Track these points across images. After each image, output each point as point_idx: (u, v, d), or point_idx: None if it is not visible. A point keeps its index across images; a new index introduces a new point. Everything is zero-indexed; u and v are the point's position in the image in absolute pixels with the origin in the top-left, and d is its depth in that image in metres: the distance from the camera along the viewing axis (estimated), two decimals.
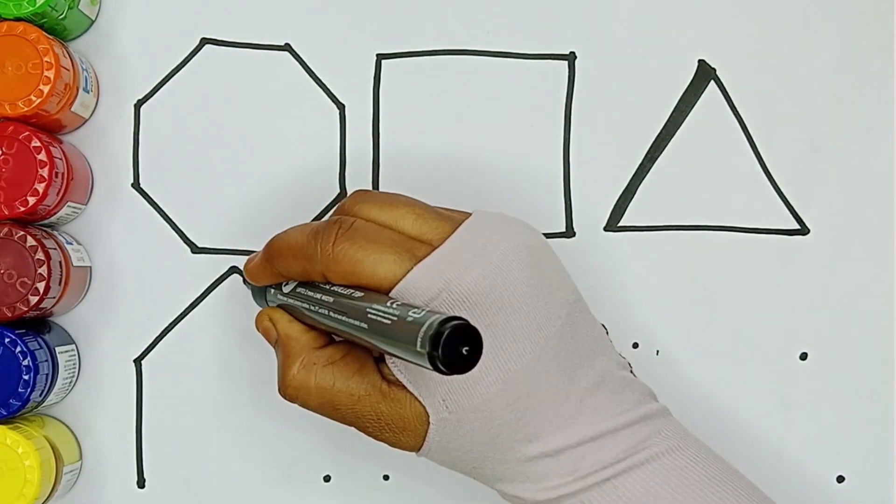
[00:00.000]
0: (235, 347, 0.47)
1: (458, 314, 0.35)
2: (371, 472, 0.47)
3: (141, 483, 0.46)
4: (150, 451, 0.46)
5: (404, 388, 0.37)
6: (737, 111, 0.47)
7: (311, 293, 0.38)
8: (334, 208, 0.41)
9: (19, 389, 0.42)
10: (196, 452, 0.46)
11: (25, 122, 0.43)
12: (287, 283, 0.40)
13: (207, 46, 0.47)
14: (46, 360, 0.43)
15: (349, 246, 0.37)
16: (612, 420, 0.37)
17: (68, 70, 0.43)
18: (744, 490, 0.38)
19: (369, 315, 0.34)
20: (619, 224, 0.47)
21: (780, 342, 0.47)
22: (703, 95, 0.47)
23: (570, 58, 0.47)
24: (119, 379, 0.46)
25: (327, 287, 0.38)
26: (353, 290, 0.37)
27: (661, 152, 0.47)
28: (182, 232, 0.47)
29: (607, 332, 0.41)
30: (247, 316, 0.47)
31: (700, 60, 0.47)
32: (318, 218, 0.47)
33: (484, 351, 0.32)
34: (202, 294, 0.47)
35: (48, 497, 0.43)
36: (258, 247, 0.46)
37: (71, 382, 0.46)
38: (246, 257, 0.46)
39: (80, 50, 0.46)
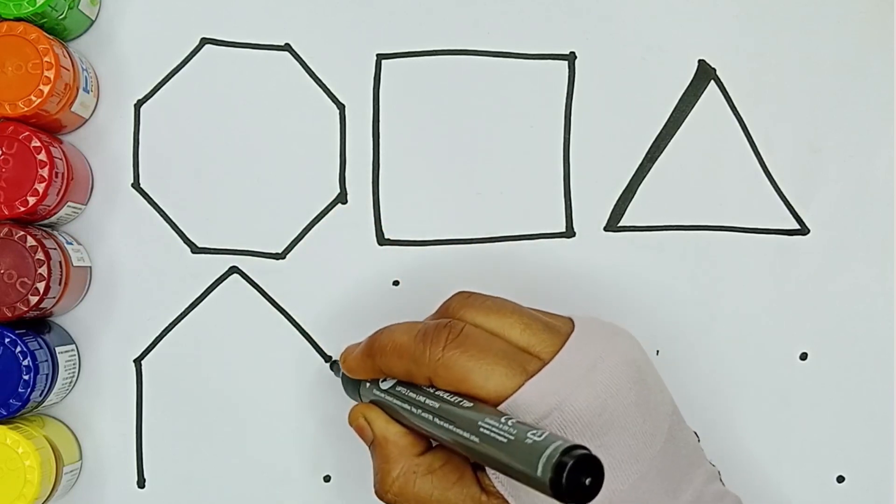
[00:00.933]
0: (235, 347, 0.47)
1: (569, 434, 0.35)
2: (371, 472, 0.47)
3: (141, 483, 0.46)
4: (150, 451, 0.46)
5: (504, 500, 0.36)
6: (737, 111, 0.47)
7: (413, 395, 0.38)
8: (438, 309, 0.40)
9: (19, 389, 0.42)
10: (196, 452, 0.46)
11: (25, 122, 0.43)
12: (385, 380, 0.40)
13: (207, 46, 0.47)
14: (46, 360, 0.43)
15: (460, 353, 0.36)
16: None
17: (68, 70, 0.43)
18: None
19: (482, 430, 0.34)
20: (619, 224, 0.47)
21: (780, 342, 0.47)
22: (703, 95, 0.47)
23: (570, 58, 0.47)
24: (119, 379, 0.46)
25: (432, 391, 0.37)
26: (460, 399, 0.36)
27: (661, 152, 0.47)
28: (182, 232, 0.47)
29: (699, 440, 0.40)
30: (247, 316, 0.47)
31: (700, 60, 0.47)
32: (318, 219, 0.47)
33: None
34: (202, 294, 0.47)
35: (48, 497, 0.43)
36: (258, 247, 0.47)
37: (71, 382, 0.46)
38: (249, 257, 0.46)
39: (80, 50, 0.46)
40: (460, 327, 0.37)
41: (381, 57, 0.47)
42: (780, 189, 0.47)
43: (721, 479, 0.40)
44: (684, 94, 0.47)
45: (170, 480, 0.46)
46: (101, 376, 0.46)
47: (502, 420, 0.34)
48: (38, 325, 0.44)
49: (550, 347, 0.37)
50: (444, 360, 0.36)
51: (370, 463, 0.46)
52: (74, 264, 0.44)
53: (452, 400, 0.36)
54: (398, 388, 0.38)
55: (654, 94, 0.47)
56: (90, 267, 0.46)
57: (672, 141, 0.47)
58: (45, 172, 0.42)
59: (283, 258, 0.47)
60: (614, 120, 0.47)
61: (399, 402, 0.38)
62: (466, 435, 0.34)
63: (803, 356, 0.47)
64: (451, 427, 0.35)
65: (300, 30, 0.47)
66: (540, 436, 0.32)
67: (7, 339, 0.42)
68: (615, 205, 0.47)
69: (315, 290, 0.47)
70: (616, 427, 0.36)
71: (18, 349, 0.42)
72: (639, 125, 0.47)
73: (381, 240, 0.47)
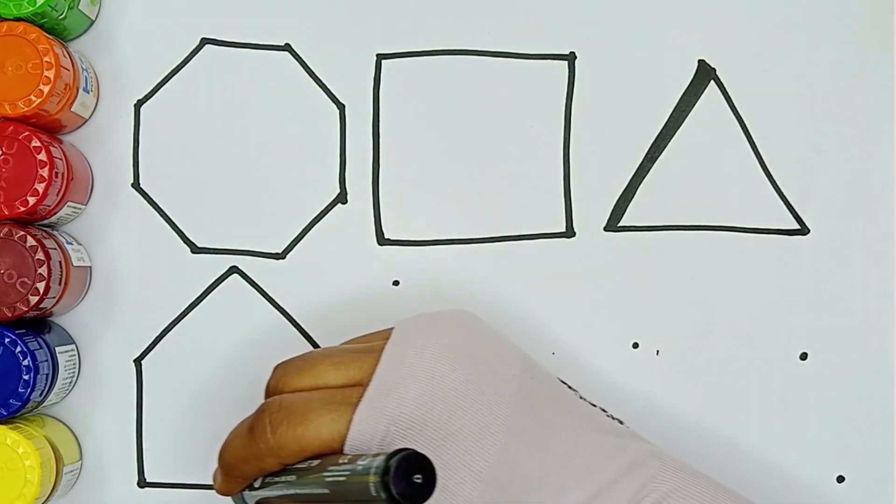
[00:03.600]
0: (235, 347, 0.47)
1: (413, 440, 0.35)
2: None
3: (141, 483, 0.46)
4: (150, 451, 0.46)
5: None
6: (737, 111, 0.47)
7: (277, 479, 0.38)
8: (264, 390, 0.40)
9: (19, 389, 0.42)
10: (196, 452, 0.46)
11: (25, 122, 0.43)
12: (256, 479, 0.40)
13: (207, 46, 0.47)
14: (46, 360, 0.43)
15: (285, 427, 0.36)
16: (601, 476, 0.36)
17: (68, 70, 0.43)
18: None
19: (327, 479, 0.34)
20: (619, 224, 0.47)
21: (780, 342, 0.47)
22: (703, 95, 0.47)
23: (570, 58, 0.47)
24: (119, 379, 0.46)
25: (289, 468, 0.37)
26: (311, 461, 0.36)
27: (661, 152, 0.47)
28: (182, 232, 0.47)
29: (568, 386, 0.40)
30: (247, 316, 0.47)
31: (700, 60, 0.47)
32: (318, 219, 0.47)
33: (451, 460, 0.31)
34: (202, 294, 0.47)
35: (48, 497, 0.43)
36: (258, 247, 0.47)
37: (71, 382, 0.46)
38: (249, 257, 0.46)
39: (80, 50, 0.46)
40: (277, 402, 0.37)
41: (381, 57, 0.47)
42: (780, 189, 0.47)
43: (610, 416, 0.39)
44: (684, 94, 0.47)
45: (170, 480, 0.46)
46: (101, 376, 0.46)
47: (339, 462, 0.34)
48: (38, 325, 0.44)
49: (368, 370, 0.37)
50: (276, 442, 0.36)
51: None
52: (74, 264, 0.44)
53: (304, 466, 0.36)
54: (266, 480, 0.39)
55: (654, 94, 0.47)
56: (90, 267, 0.46)
57: (672, 141, 0.47)
58: (45, 172, 0.42)
59: (283, 258, 0.47)
60: (614, 120, 0.47)
61: (273, 493, 0.38)
62: (320, 491, 0.35)
63: (803, 356, 0.47)
64: (310, 491, 0.35)
65: (300, 30, 0.47)
66: (366, 459, 0.32)
67: (7, 339, 0.42)
68: (615, 205, 0.47)
69: (315, 290, 0.47)
70: (455, 412, 0.36)
71: (18, 349, 0.42)
72: (639, 125, 0.47)
73: (381, 240, 0.47)
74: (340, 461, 0.34)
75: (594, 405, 0.40)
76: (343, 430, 0.36)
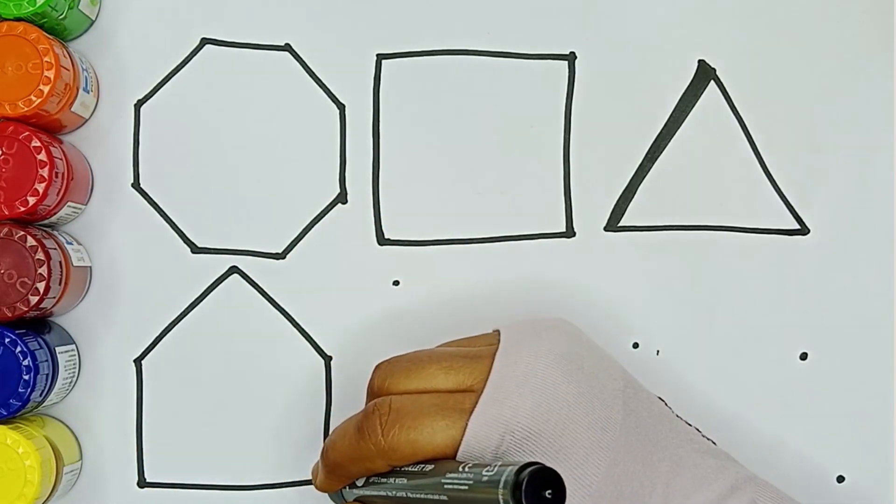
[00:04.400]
0: (235, 347, 0.47)
1: (527, 451, 0.35)
2: None
3: (141, 483, 0.46)
4: (150, 451, 0.46)
5: None
6: (737, 111, 0.47)
7: (385, 480, 0.38)
8: (367, 390, 0.40)
9: (19, 389, 0.42)
10: (196, 452, 0.46)
11: (25, 122, 0.43)
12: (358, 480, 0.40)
13: (207, 46, 0.47)
14: (46, 360, 0.43)
15: (398, 430, 0.36)
16: (703, 497, 0.37)
17: (68, 70, 0.43)
18: None
19: (446, 486, 0.34)
20: (619, 224, 0.47)
21: (780, 342, 0.47)
22: (703, 95, 0.47)
23: (570, 58, 0.47)
24: (119, 379, 0.46)
25: (398, 470, 0.37)
26: (423, 465, 0.36)
27: (661, 152, 0.47)
28: (182, 232, 0.47)
29: (665, 403, 0.40)
30: (247, 316, 0.47)
31: (700, 60, 0.47)
32: (318, 219, 0.47)
33: (562, 473, 0.31)
34: (202, 294, 0.47)
35: (48, 497, 0.43)
36: (258, 247, 0.47)
37: (71, 382, 0.46)
38: (249, 257, 0.46)
39: (80, 50, 0.46)
40: (387, 404, 0.37)
41: (381, 57, 0.47)
42: (780, 189, 0.47)
43: (704, 435, 0.40)
44: (684, 94, 0.47)
45: (170, 480, 0.46)
46: (101, 376, 0.46)
47: (459, 469, 0.34)
48: (38, 325, 0.44)
49: (479, 376, 0.37)
50: (387, 444, 0.36)
51: None
52: (74, 264, 0.44)
53: (416, 470, 0.36)
54: (372, 481, 0.39)
55: (654, 94, 0.47)
56: (90, 267, 0.46)
57: (672, 141, 0.47)
58: (45, 172, 0.42)
59: (283, 258, 0.47)
60: (614, 120, 0.47)
61: (378, 493, 0.38)
62: (436, 497, 0.35)
63: (803, 356, 0.47)
64: (423, 495, 0.36)
65: (300, 30, 0.47)
66: (492, 470, 0.32)
67: (7, 339, 0.42)
68: (615, 205, 0.47)
69: (315, 290, 0.47)
70: (568, 426, 0.36)
71: (18, 349, 0.42)
72: (639, 125, 0.47)
73: (381, 240, 0.47)
74: (460, 468, 0.34)
75: (689, 424, 0.40)
76: (457, 437, 0.36)
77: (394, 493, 0.37)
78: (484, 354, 0.38)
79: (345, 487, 0.40)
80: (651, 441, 0.37)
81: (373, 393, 0.39)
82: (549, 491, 0.31)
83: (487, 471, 0.33)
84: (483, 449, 0.35)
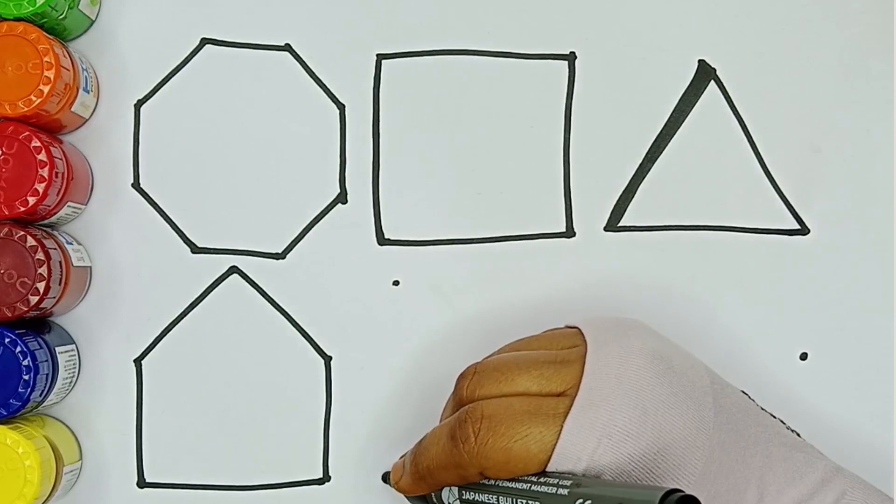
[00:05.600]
0: (235, 347, 0.47)
1: (624, 453, 0.35)
2: (371, 472, 0.47)
3: (141, 483, 0.46)
4: (150, 451, 0.46)
5: None
6: (737, 111, 0.47)
7: (483, 498, 0.37)
8: (453, 391, 0.40)
9: (19, 389, 0.42)
10: (196, 452, 0.46)
11: (25, 122, 0.43)
12: (444, 489, 0.40)
13: (207, 46, 0.47)
14: (46, 360, 0.43)
15: (491, 437, 0.36)
16: (796, 491, 0.37)
17: (68, 70, 0.43)
18: None
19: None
20: (619, 224, 0.47)
21: (780, 342, 0.47)
22: (703, 95, 0.47)
23: (570, 58, 0.47)
24: (119, 379, 0.46)
25: (495, 484, 0.37)
26: (523, 483, 0.36)
27: (661, 152, 0.47)
28: (182, 232, 0.47)
29: (749, 396, 0.40)
30: (247, 316, 0.47)
31: (700, 60, 0.47)
32: (318, 219, 0.47)
33: (661, 474, 0.31)
34: (202, 294, 0.47)
35: (48, 497, 0.43)
36: (258, 247, 0.47)
37: (71, 382, 0.46)
38: (249, 257, 0.46)
39: (80, 50, 0.46)
40: (479, 411, 0.37)
41: (381, 57, 0.47)
42: (780, 189, 0.47)
43: (788, 427, 0.40)
44: (684, 94, 0.47)
45: (170, 480, 0.46)
46: (101, 376, 0.46)
47: (585, 487, 0.33)
48: (38, 325, 0.44)
49: (571, 381, 0.37)
50: (481, 453, 0.36)
51: (371, 463, 0.47)
52: (74, 264, 0.44)
53: (519, 488, 0.36)
54: (465, 495, 0.38)
55: (654, 94, 0.47)
56: (90, 267, 0.46)
57: (672, 141, 0.47)
58: (45, 172, 0.42)
59: (283, 258, 0.47)
60: (614, 120, 0.47)
61: (484, 497, 0.38)
62: None
63: (803, 356, 0.47)
64: None
65: (300, 30, 0.47)
66: (632, 490, 0.32)
67: (7, 339, 0.42)
68: (615, 205, 0.47)
69: (315, 290, 0.47)
70: (664, 427, 0.35)
71: (18, 349, 0.42)
72: (639, 125, 0.47)
73: (381, 240, 0.47)
74: (589, 487, 0.33)
75: (774, 416, 0.40)
76: (551, 442, 0.35)
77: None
78: (572, 358, 0.37)
79: (430, 495, 0.40)
80: (742, 437, 0.37)
81: (461, 400, 0.39)
82: None
83: (634, 493, 0.32)
84: (578, 453, 0.35)
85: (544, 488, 0.35)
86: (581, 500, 0.33)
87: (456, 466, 0.37)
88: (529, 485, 0.36)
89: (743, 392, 0.40)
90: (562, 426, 0.35)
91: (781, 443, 0.38)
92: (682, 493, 0.31)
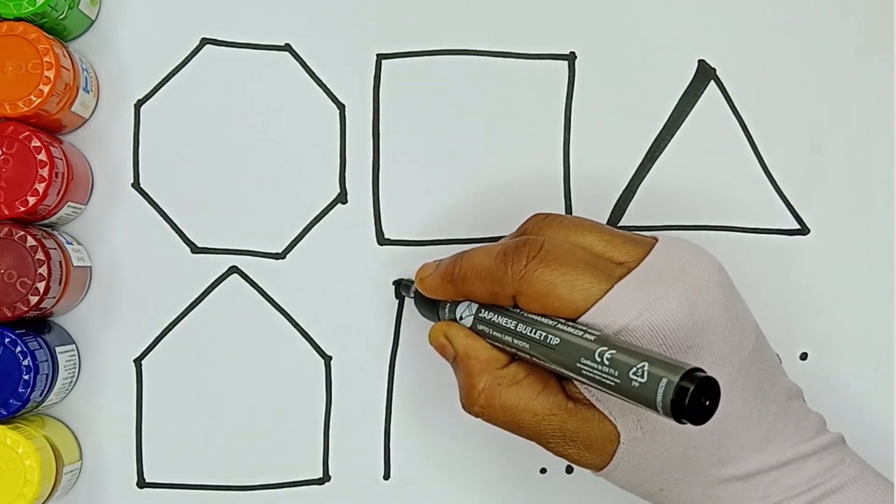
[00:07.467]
0: (235, 347, 0.47)
1: (660, 334, 0.35)
2: (371, 472, 0.47)
3: (141, 483, 0.46)
4: (149, 451, 0.46)
5: (592, 406, 0.36)
6: (737, 111, 0.47)
7: (501, 321, 0.37)
8: (516, 231, 0.40)
9: (19, 389, 0.42)
10: (196, 452, 0.46)
11: (25, 122, 0.43)
12: (463, 302, 0.40)
13: (207, 46, 0.47)
14: (46, 360, 0.43)
15: (542, 268, 0.36)
16: (801, 446, 0.37)
17: (68, 70, 0.43)
18: None
19: (583, 371, 0.34)
20: (619, 224, 0.47)
21: (780, 342, 0.47)
22: (703, 95, 0.47)
23: (570, 58, 0.47)
24: (119, 379, 0.46)
25: (520, 314, 0.37)
26: (550, 320, 0.36)
27: (661, 152, 0.47)
28: (182, 232, 0.47)
29: (780, 361, 0.40)
30: (247, 316, 0.47)
31: (700, 60, 0.47)
32: (318, 219, 0.47)
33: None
34: (202, 294, 0.47)
35: (48, 497, 0.43)
36: (258, 247, 0.47)
37: (71, 382, 0.46)
38: (249, 257, 0.46)
39: (80, 50, 0.46)
40: (540, 242, 0.37)
41: (381, 57, 0.47)
42: (780, 189, 0.47)
43: (803, 398, 0.40)
44: (684, 94, 0.47)
45: (170, 480, 0.46)
46: (101, 376, 0.46)
47: (598, 358, 0.33)
48: (38, 325, 0.44)
49: (635, 256, 0.37)
50: (526, 277, 0.36)
51: (371, 463, 0.47)
52: (74, 264, 0.44)
53: (549, 323, 0.35)
54: (484, 314, 0.38)
55: (654, 94, 0.47)
56: (90, 267, 0.46)
57: (672, 141, 0.47)
58: (45, 172, 0.42)
59: (283, 258, 0.47)
60: (614, 120, 0.47)
61: (486, 328, 0.38)
62: (567, 372, 0.35)
63: (803, 356, 0.47)
64: (548, 364, 0.35)
65: (300, 30, 0.47)
66: (641, 373, 0.32)
67: (7, 339, 0.42)
68: (615, 205, 0.47)
69: (315, 290, 0.47)
70: (706, 327, 0.35)
71: (18, 349, 0.42)
72: (639, 125, 0.47)
73: (381, 240, 0.47)
74: (599, 354, 0.33)
75: (797, 385, 0.40)
76: (596, 297, 0.35)
77: (510, 338, 0.37)
78: (644, 241, 0.38)
79: (445, 305, 0.40)
80: (769, 381, 0.37)
81: (524, 232, 0.39)
82: (709, 400, 0.31)
83: (635, 374, 0.32)
84: (616, 316, 0.35)
85: (571, 330, 0.35)
86: (604, 350, 0.33)
87: (494, 282, 0.37)
88: (557, 322, 0.35)
89: (777, 355, 0.40)
90: (612, 286, 0.35)
91: (799, 406, 0.39)
92: (705, 375, 0.31)
